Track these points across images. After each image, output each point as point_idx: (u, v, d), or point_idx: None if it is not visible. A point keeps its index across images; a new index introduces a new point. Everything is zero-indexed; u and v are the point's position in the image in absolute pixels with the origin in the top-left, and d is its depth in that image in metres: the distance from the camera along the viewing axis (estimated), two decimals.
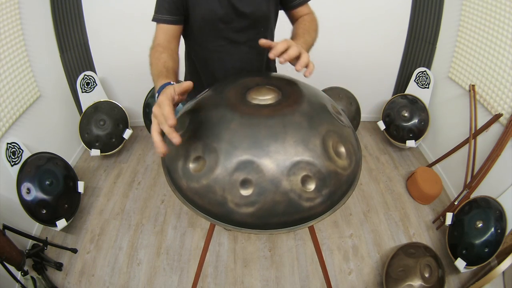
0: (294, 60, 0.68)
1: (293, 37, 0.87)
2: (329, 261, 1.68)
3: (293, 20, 1.02)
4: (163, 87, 0.67)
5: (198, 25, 0.95)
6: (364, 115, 2.67)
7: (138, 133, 2.61)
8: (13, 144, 1.64)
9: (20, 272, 1.36)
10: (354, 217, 1.92)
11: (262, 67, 1.11)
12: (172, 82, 0.68)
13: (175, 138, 0.54)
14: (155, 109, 0.58)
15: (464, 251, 1.52)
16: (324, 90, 2.28)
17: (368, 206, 2.00)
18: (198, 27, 0.96)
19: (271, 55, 0.67)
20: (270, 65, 1.19)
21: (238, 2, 0.91)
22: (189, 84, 0.61)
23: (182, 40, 1.01)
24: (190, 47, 1.08)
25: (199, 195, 0.58)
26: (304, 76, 0.68)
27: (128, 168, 2.29)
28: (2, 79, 1.62)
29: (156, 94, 0.67)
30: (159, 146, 0.56)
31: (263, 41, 0.70)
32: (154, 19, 0.91)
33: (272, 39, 1.12)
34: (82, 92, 2.22)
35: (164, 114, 0.55)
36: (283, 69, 1.10)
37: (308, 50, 0.83)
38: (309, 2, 1.01)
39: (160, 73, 0.75)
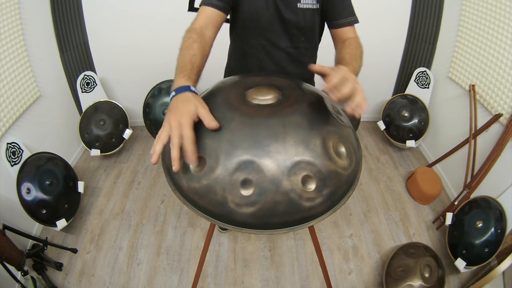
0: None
1: (340, 61, 0.83)
2: (329, 261, 1.68)
3: (336, 40, 0.98)
4: (182, 89, 0.65)
5: (243, 19, 0.98)
6: (364, 115, 2.67)
7: (138, 133, 2.61)
8: (13, 144, 1.64)
9: (20, 272, 1.36)
10: (354, 217, 1.92)
11: (297, 76, 1.10)
12: (192, 88, 0.66)
13: (194, 161, 0.56)
14: (173, 122, 0.57)
15: (464, 251, 1.52)
16: None
17: (368, 206, 2.00)
18: (243, 22, 0.99)
19: (327, 89, 0.60)
20: (308, 77, 1.16)
21: (284, 8, 0.93)
22: (215, 126, 0.59)
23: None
24: (233, 39, 1.11)
25: (199, 195, 0.58)
26: (355, 116, 0.59)
27: (128, 168, 2.29)
28: (2, 79, 1.62)
29: (173, 93, 0.65)
30: (155, 158, 0.56)
31: (315, 67, 0.64)
32: (202, 3, 0.91)
33: (314, 51, 1.12)
34: (82, 92, 2.22)
35: (185, 146, 0.55)
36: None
37: None
38: (356, 25, 0.96)
39: (184, 68, 0.72)
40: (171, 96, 0.65)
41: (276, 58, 1.05)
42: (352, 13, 0.95)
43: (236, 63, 1.15)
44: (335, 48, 0.96)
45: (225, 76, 1.25)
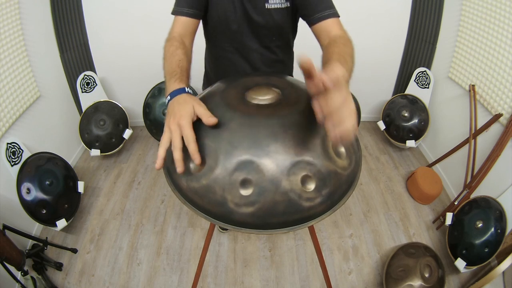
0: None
1: (327, 63, 0.70)
2: (329, 261, 1.68)
3: (319, 38, 0.88)
4: (177, 92, 0.65)
5: (213, 24, 0.98)
6: (364, 115, 2.67)
7: (138, 133, 2.62)
8: (13, 144, 1.64)
9: (20, 272, 1.37)
10: (354, 217, 1.92)
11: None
12: (187, 89, 0.67)
13: (197, 159, 0.56)
14: (172, 125, 0.58)
15: (464, 251, 1.52)
16: None
17: (368, 206, 2.00)
18: (213, 26, 0.99)
19: (318, 111, 0.48)
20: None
21: (252, 10, 0.92)
22: (214, 121, 0.59)
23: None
24: (207, 43, 1.10)
25: (199, 195, 0.58)
26: (333, 142, 0.52)
27: (128, 168, 2.29)
28: (2, 79, 1.62)
29: (168, 97, 0.66)
30: (159, 163, 0.58)
31: (304, 63, 0.45)
32: (173, 12, 0.92)
33: (287, 48, 1.09)
34: (82, 92, 2.22)
35: (188, 146, 0.55)
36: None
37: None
38: (340, 18, 0.88)
39: (174, 73, 0.72)
40: (167, 101, 0.66)
41: (249, 59, 1.05)
42: (330, 6, 0.87)
43: (212, 66, 1.14)
44: (322, 49, 0.86)
45: (203, 82, 1.24)
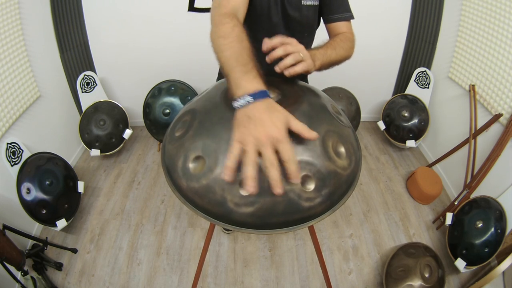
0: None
1: (315, 47, 0.84)
2: (329, 261, 1.68)
3: (330, 35, 1.00)
4: (262, 95, 0.53)
5: (254, 14, 0.98)
6: (364, 115, 2.67)
7: (138, 133, 2.62)
8: (13, 144, 1.64)
9: (20, 272, 1.37)
10: (354, 217, 1.92)
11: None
12: (269, 93, 0.56)
13: (297, 179, 0.49)
14: (263, 136, 0.47)
15: (464, 251, 1.52)
16: (324, 90, 2.28)
17: (368, 206, 2.00)
18: (253, 17, 0.99)
19: (264, 49, 0.69)
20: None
21: (288, 5, 0.96)
22: (316, 136, 0.52)
23: None
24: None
25: (199, 195, 0.58)
26: (285, 74, 0.67)
27: (128, 168, 2.29)
28: (2, 79, 1.62)
29: (248, 98, 0.52)
30: (254, 185, 0.47)
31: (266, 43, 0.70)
32: None
33: (311, 46, 1.15)
34: (82, 92, 2.22)
35: (289, 165, 0.47)
36: (314, 80, 1.12)
37: (327, 64, 0.81)
38: (357, 25, 0.99)
39: (248, 65, 0.58)
40: (244, 101, 0.53)
41: None
42: (348, 9, 0.98)
43: None
44: None
45: (218, 78, 1.24)
